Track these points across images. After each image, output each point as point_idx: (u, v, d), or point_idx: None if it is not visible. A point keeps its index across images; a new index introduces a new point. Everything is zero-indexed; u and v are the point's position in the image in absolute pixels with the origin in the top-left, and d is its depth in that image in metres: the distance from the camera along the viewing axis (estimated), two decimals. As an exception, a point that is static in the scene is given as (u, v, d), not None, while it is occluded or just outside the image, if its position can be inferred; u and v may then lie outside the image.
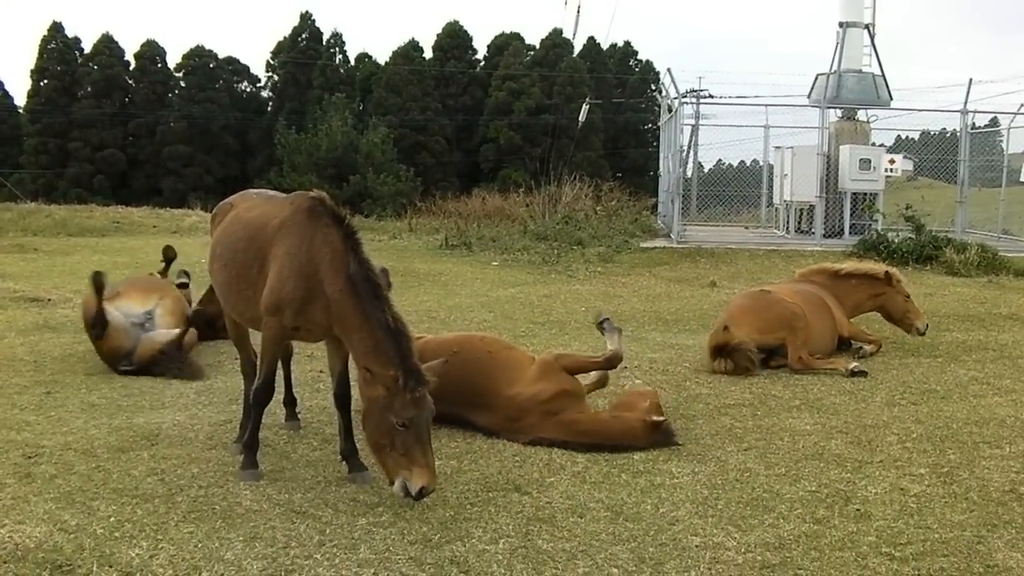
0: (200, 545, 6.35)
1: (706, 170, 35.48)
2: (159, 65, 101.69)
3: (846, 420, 9.63)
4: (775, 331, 12.02)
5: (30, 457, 8.14)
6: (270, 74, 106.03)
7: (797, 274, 14.09)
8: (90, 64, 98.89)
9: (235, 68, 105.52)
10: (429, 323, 14.13)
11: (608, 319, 9.80)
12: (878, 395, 10.69)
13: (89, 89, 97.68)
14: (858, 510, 7.17)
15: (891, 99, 27.62)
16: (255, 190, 9.51)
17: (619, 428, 8.80)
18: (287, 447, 8.63)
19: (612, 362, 9.42)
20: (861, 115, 27.60)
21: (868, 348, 12.86)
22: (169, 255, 14.45)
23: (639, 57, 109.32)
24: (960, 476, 7.98)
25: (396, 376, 7.00)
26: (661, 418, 8.79)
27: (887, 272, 13.49)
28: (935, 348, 13.22)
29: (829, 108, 26.68)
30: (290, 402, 9.37)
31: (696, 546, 6.47)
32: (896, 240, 23.05)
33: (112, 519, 6.75)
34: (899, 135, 34.32)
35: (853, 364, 11.70)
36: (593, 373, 9.68)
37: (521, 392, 9.02)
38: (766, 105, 31.43)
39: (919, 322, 13.31)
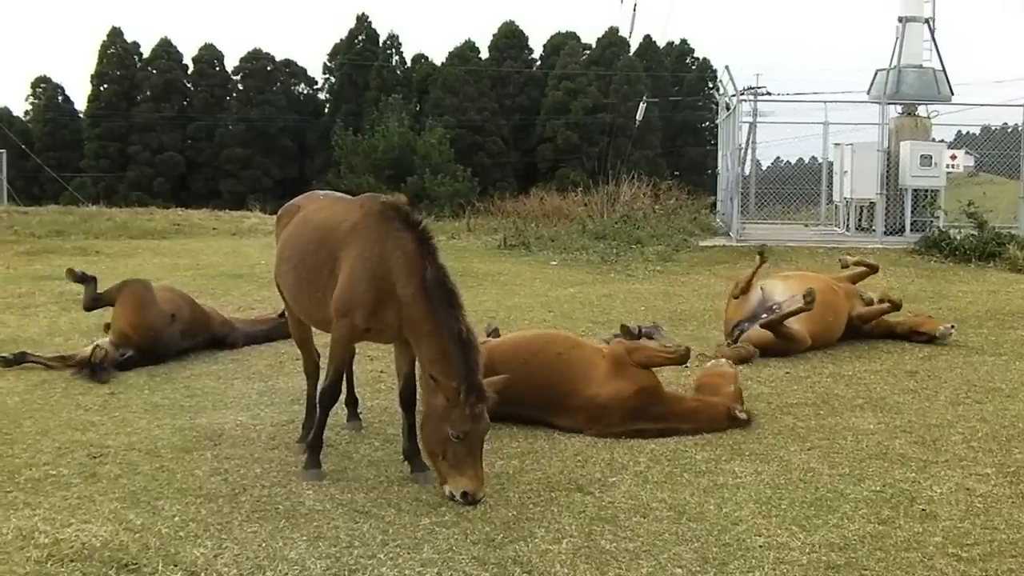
0: (264, 544, 6.39)
1: (764, 168, 35.31)
2: (217, 68, 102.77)
3: (910, 419, 9.52)
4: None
5: (95, 457, 8.23)
6: (327, 76, 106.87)
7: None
8: (149, 68, 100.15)
9: (292, 70, 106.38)
10: (489, 323, 14.12)
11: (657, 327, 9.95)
12: (942, 394, 10.57)
13: (148, 93, 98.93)
14: (923, 510, 7.09)
15: (952, 94, 27.29)
16: (322, 191, 9.55)
17: (706, 416, 9.15)
18: (349, 447, 8.66)
19: (684, 357, 9.45)
20: (922, 111, 27.26)
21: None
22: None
23: (696, 55, 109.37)
24: (1027, 476, 7.89)
25: (458, 389, 7.05)
26: (744, 415, 9.16)
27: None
28: (999, 346, 13.05)
29: (889, 104, 26.40)
30: (352, 402, 9.39)
31: (760, 546, 6.43)
32: (958, 237, 22.79)
33: (177, 518, 6.81)
34: (960, 130, 33.85)
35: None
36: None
37: (599, 392, 9.07)
38: (825, 102, 31.20)
39: (930, 328, 13.19)
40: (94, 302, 12.76)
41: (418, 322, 7.35)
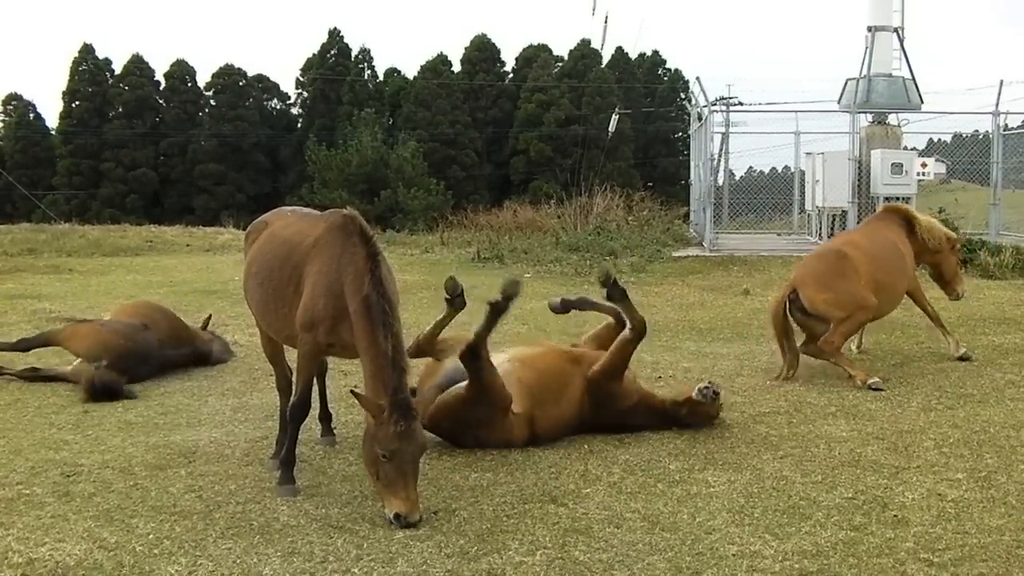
0: (238, 561, 6.39)
1: (737, 178, 35.58)
2: (189, 84, 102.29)
3: (882, 426, 9.57)
4: (840, 308, 11.88)
5: (69, 476, 8.20)
6: (300, 91, 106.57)
7: (881, 208, 14.30)
8: (121, 85, 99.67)
9: (265, 86, 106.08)
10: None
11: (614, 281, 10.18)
12: (914, 400, 10.63)
13: (120, 109, 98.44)
14: (895, 516, 7.13)
15: (922, 102, 27.50)
16: (289, 207, 9.58)
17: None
18: (323, 462, 8.66)
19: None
20: (892, 119, 27.49)
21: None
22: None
23: (668, 66, 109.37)
24: (998, 480, 7.93)
25: (383, 407, 7.06)
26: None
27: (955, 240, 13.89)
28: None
29: (860, 113, 26.58)
30: (325, 418, 9.40)
31: (733, 555, 6.45)
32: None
33: (151, 536, 6.80)
34: (931, 138, 34.18)
35: (873, 379, 11.44)
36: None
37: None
38: (796, 111, 31.39)
39: (960, 287, 13.70)
40: (26, 342, 12.85)
41: (360, 338, 7.38)
